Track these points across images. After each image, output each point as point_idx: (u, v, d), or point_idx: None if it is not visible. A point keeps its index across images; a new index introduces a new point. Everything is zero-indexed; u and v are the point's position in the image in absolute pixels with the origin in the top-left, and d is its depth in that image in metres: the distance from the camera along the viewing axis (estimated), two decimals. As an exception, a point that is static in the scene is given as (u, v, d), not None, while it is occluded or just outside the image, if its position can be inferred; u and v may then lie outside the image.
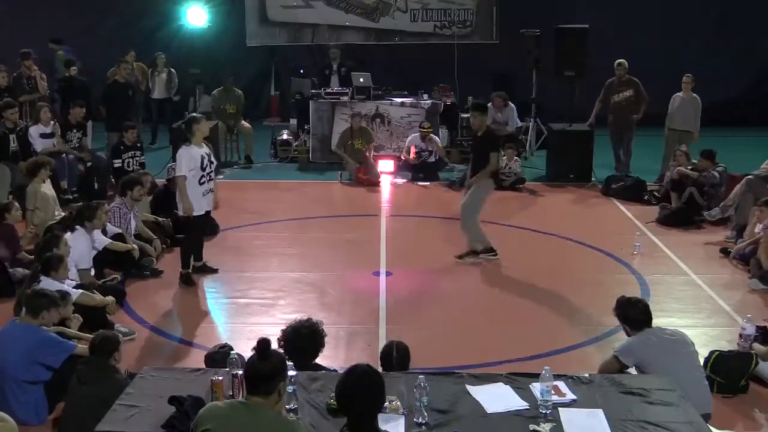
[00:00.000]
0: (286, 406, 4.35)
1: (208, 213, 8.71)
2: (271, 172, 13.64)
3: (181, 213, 8.39)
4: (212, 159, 8.43)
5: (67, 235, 7.70)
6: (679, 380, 4.93)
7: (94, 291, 7.27)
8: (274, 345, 5.06)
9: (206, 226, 9.09)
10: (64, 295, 6.44)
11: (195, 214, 8.31)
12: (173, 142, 8.08)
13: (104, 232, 8.43)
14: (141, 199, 9.36)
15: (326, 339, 5.39)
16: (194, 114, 8.86)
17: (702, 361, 6.00)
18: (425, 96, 14.30)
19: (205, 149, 8.34)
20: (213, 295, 8.29)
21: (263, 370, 3.72)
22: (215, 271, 8.79)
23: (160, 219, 9.73)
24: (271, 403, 3.74)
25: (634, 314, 5.58)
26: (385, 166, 13.34)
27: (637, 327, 5.55)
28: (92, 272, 8.02)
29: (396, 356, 5.28)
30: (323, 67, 14.91)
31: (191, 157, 8.18)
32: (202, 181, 8.25)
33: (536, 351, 6.89)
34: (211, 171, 8.38)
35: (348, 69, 14.73)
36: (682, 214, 10.59)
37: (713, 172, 10.71)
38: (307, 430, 4.19)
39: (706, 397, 5.43)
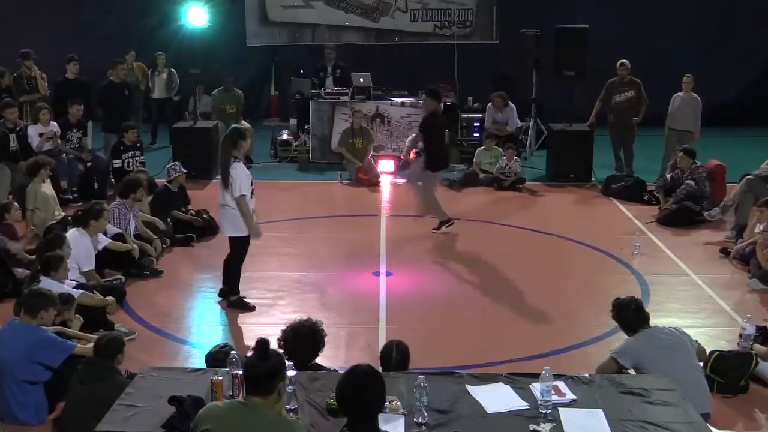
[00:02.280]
0: (286, 406, 4.35)
1: None
2: (271, 172, 13.63)
3: (230, 234, 7.73)
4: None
5: (68, 235, 7.71)
6: (678, 379, 4.93)
7: (94, 291, 7.28)
8: (274, 345, 5.08)
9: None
10: (68, 298, 6.45)
11: (247, 234, 7.69)
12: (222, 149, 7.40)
13: (104, 232, 8.43)
14: (143, 198, 9.35)
15: (326, 339, 5.39)
16: (239, 127, 8.16)
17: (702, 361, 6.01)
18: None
19: None
20: (213, 295, 8.28)
21: (262, 370, 3.73)
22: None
23: (159, 224, 9.57)
24: (271, 403, 3.74)
25: (627, 315, 5.60)
26: (385, 166, 13.34)
27: (633, 328, 5.55)
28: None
29: (396, 356, 5.28)
30: (318, 68, 14.90)
31: (247, 174, 7.51)
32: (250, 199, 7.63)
33: (536, 351, 6.89)
34: (253, 189, 7.68)
35: (343, 70, 14.72)
36: (682, 214, 10.59)
37: (688, 181, 10.69)
38: (307, 430, 4.19)
39: (705, 397, 5.43)
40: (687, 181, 10.71)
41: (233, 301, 7.93)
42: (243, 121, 14.17)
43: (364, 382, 3.70)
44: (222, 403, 3.95)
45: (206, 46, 13.52)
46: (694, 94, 12.34)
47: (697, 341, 5.81)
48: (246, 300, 7.97)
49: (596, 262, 9.32)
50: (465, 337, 7.33)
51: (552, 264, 9.23)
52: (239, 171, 7.42)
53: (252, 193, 7.61)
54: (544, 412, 4.43)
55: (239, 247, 7.82)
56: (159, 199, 10.11)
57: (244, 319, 7.73)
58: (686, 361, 5.43)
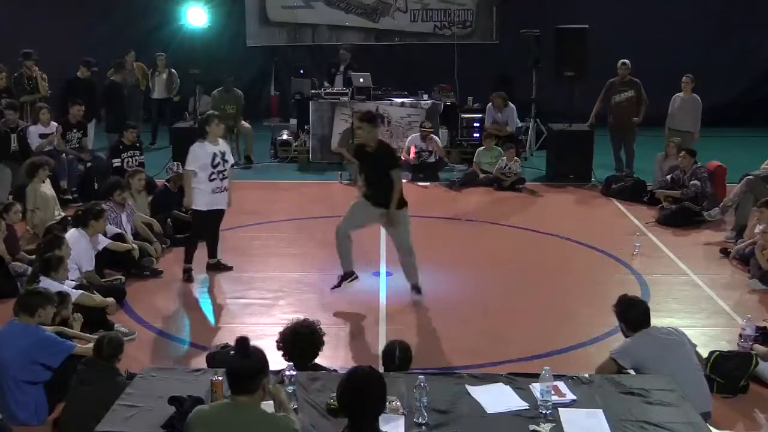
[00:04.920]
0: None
1: (221, 211, 8.63)
2: (271, 172, 13.64)
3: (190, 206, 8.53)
4: (227, 158, 8.46)
5: (68, 235, 7.71)
6: (678, 379, 4.93)
7: (94, 291, 7.27)
8: (272, 346, 5.09)
9: (211, 224, 8.68)
10: (64, 296, 6.44)
11: (198, 208, 8.38)
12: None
13: (104, 233, 8.43)
14: (124, 201, 9.20)
15: (326, 339, 5.39)
16: (212, 113, 8.82)
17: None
18: (425, 96, 14.30)
19: (220, 147, 8.40)
20: (213, 295, 8.29)
21: (246, 368, 3.73)
22: (230, 268, 8.82)
23: (155, 225, 9.56)
24: (257, 400, 3.74)
25: (633, 315, 5.56)
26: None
27: (634, 328, 5.53)
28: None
29: (398, 356, 5.29)
30: (330, 65, 14.92)
31: (202, 153, 8.26)
32: (212, 178, 8.29)
33: (536, 351, 6.89)
34: (224, 170, 8.39)
35: (353, 71, 14.75)
36: (682, 214, 10.59)
37: (694, 182, 10.68)
38: (306, 429, 4.19)
39: (705, 396, 5.42)
40: (693, 182, 10.70)
41: (184, 269, 8.64)
42: (243, 122, 14.22)
43: (365, 383, 3.70)
44: (209, 406, 3.92)
45: (206, 46, 13.53)
46: (695, 95, 12.35)
47: (695, 344, 5.79)
48: (191, 274, 8.63)
49: (596, 262, 9.32)
50: (465, 337, 7.33)
51: (552, 264, 9.23)
52: (193, 148, 8.31)
53: (219, 174, 8.31)
54: (544, 412, 4.42)
55: (192, 219, 8.76)
56: (159, 200, 10.11)
57: (244, 319, 7.73)
58: (686, 360, 5.42)
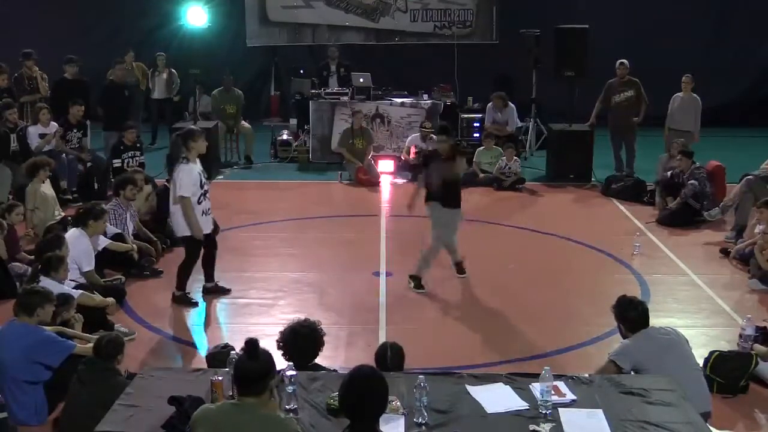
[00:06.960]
0: (286, 406, 4.36)
1: (208, 236, 7.97)
2: (271, 172, 13.64)
3: (180, 234, 7.94)
4: (205, 176, 7.88)
5: (68, 235, 7.71)
6: (677, 379, 4.93)
7: (94, 291, 7.27)
8: (273, 346, 5.09)
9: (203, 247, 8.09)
10: (67, 298, 6.44)
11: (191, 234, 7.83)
12: (171, 149, 7.79)
13: (104, 233, 8.43)
14: (134, 197, 9.22)
15: (326, 339, 5.39)
16: (192, 128, 8.25)
17: (702, 362, 6.00)
18: (425, 96, 14.30)
19: (199, 166, 7.82)
20: (213, 295, 8.28)
21: (254, 370, 3.72)
22: (228, 291, 8.28)
23: (152, 236, 9.40)
24: (264, 402, 3.74)
25: (633, 316, 5.55)
26: (385, 166, 13.34)
27: (633, 329, 5.53)
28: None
29: (390, 357, 5.29)
30: (321, 68, 14.94)
31: (191, 175, 7.67)
32: (200, 200, 7.75)
33: (536, 351, 6.90)
34: (207, 190, 7.85)
35: (347, 69, 14.75)
36: (682, 214, 10.59)
37: (691, 182, 10.66)
38: (306, 430, 4.19)
39: (705, 396, 5.42)
40: (691, 182, 10.68)
41: (178, 297, 8.05)
42: (243, 122, 14.23)
43: (367, 384, 3.69)
44: (214, 406, 3.93)
45: (206, 46, 13.53)
46: (694, 95, 12.34)
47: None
48: (190, 296, 8.09)
49: (596, 262, 9.32)
50: (465, 337, 7.33)
51: (552, 264, 9.23)
52: (180, 173, 7.68)
53: (205, 194, 7.77)
54: (544, 412, 4.43)
55: (186, 247, 8.04)
56: (159, 200, 10.10)
57: (244, 319, 7.74)
58: (684, 360, 5.42)
